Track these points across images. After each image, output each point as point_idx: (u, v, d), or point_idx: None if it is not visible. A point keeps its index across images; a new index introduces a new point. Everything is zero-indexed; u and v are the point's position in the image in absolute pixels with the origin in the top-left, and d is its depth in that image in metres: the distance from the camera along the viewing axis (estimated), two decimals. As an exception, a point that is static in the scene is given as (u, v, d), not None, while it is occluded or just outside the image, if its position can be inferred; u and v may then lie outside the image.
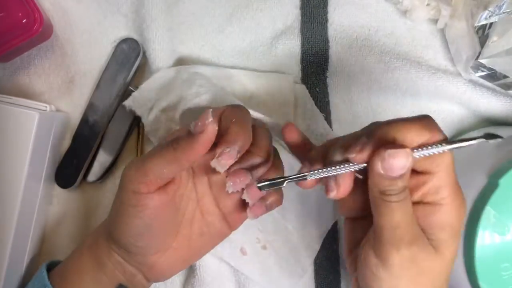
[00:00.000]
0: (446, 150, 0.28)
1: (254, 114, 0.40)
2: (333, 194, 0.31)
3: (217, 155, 0.31)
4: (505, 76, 0.43)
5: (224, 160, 0.31)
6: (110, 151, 0.47)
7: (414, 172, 0.30)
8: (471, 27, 0.43)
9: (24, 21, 0.42)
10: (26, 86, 0.47)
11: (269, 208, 0.35)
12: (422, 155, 0.29)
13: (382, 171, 0.29)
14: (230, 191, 0.33)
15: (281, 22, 0.48)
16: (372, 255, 0.31)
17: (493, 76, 0.44)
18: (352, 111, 0.48)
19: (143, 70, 0.48)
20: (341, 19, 0.48)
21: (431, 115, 0.30)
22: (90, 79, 0.48)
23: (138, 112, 0.44)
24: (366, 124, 0.32)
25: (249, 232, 0.45)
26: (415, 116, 0.30)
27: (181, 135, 0.32)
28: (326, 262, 0.47)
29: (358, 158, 0.30)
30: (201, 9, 0.48)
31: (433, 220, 0.30)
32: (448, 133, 0.48)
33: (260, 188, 0.33)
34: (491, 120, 0.48)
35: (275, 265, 0.45)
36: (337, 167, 0.30)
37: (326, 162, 0.32)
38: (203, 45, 0.48)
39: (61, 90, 0.48)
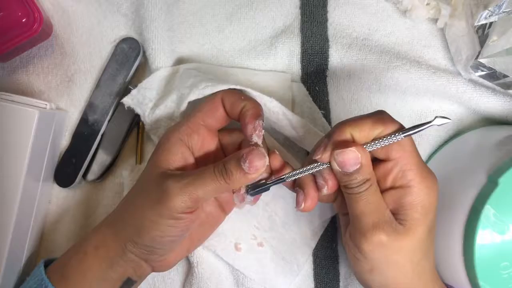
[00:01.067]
0: (397, 140, 0.32)
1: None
2: (325, 190, 0.35)
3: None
4: (505, 76, 0.43)
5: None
6: (109, 150, 0.47)
7: (382, 162, 0.34)
8: (471, 27, 0.43)
9: (23, 20, 0.42)
10: (26, 85, 0.48)
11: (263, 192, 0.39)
12: (375, 147, 0.33)
13: (339, 169, 0.33)
14: (237, 203, 0.38)
15: (281, 21, 0.48)
16: (350, 241, 0.35)
17: (492, 75, 0.44)
18: (352, 110, 0.48)
19: (143, 70, 0.48)
20: (341, 19, 0.48)
21: (385, 110, 0.34)
22: (89, 79, 0.48)
23: (137, 110, 0.44)
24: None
25: (245, 229, 0.45)
26: (370, 113, 0.34)
27: (233, 167, 0.34)
28: (325, 261, 0.47)
29: (322, 159, 0.34)
30: (201, 9, 0.48)
31: (405, 201, 0.33)
32: (447, 132, 0.48)
33: (249, 194, 0.37)
34: (491, 119, 0.47)
35: (271, 262, 0.45)
36: (307, 167, 0.34)
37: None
38: (203, 44, 0.48)
39: (60, 89, 0.48)
